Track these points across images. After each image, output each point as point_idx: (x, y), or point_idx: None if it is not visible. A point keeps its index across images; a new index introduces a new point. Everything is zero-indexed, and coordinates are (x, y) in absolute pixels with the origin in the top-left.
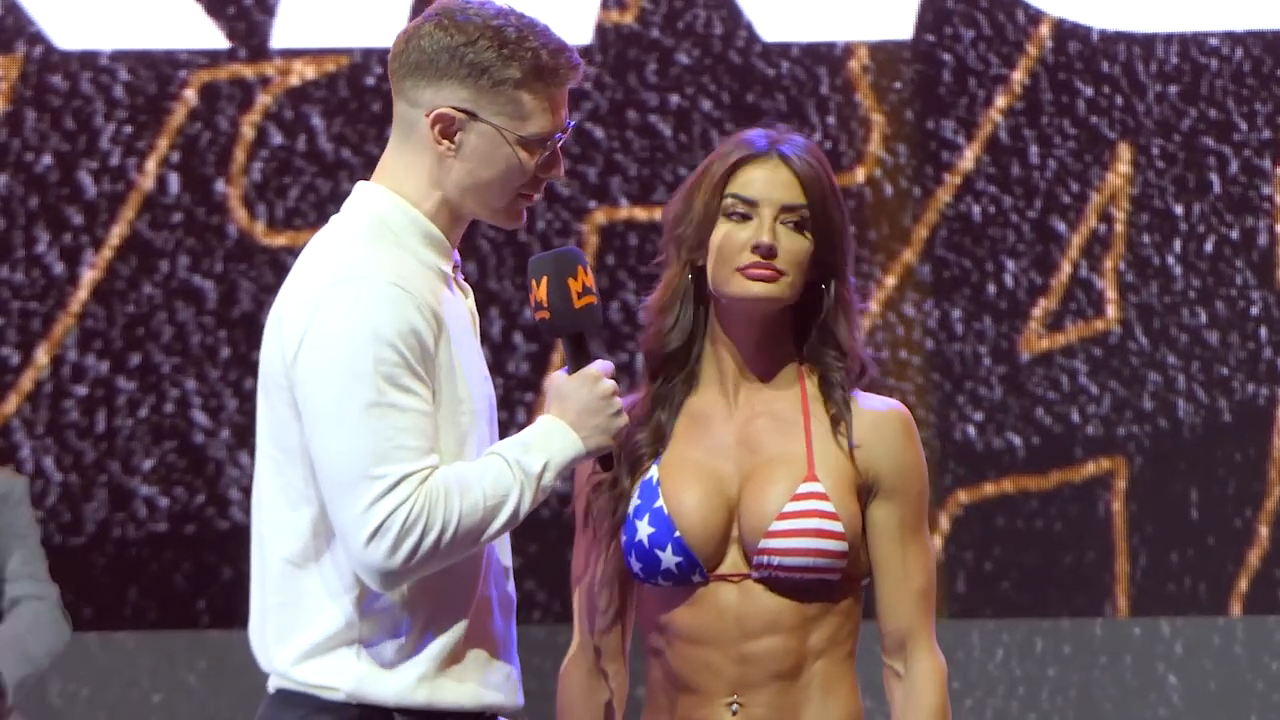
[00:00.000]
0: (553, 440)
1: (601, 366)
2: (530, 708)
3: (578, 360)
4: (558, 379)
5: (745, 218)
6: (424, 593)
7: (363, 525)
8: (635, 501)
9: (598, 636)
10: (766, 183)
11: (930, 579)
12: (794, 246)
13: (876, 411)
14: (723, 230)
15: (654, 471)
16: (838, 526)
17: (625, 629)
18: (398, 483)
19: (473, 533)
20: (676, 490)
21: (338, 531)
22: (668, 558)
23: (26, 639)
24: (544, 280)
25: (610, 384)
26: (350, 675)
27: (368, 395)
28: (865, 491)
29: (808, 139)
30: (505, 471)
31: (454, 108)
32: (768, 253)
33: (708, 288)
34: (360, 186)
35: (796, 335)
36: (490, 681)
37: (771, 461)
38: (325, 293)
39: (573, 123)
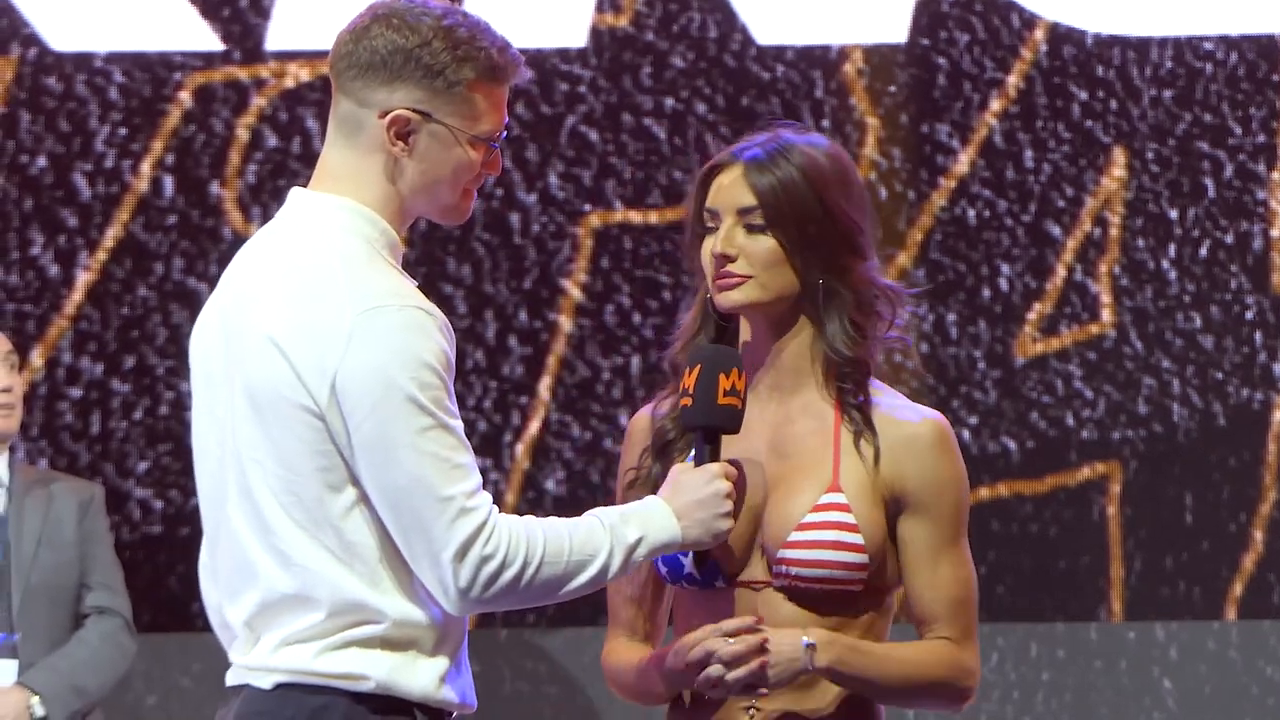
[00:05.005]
0: (652, 519)
1: (725, 469)
2: (523, 709)
3: (704, 455)
4: (678, 468)
5: (714, 230)
6: None
7: (444, 549)
8: None
9: (629, 630)
10: (725, 191)
11: (968, 590)
12: (754, 247)
13: (909, 424)
14: (704, 245)
15: None
16: (857, 539)
17: (657, 627)
18: (466, 504)
19: (554, 581)
20: None
21: (413, 555)
22: (689, 563)
23: (84, 670)
24: (697, 369)
25: (727, 486)
26: (382, 667)
27: (420, 420)
28: (893, 504)
29: (803, 136)
30: (598, 531)
31: (409, 109)
32: (722, 260)
33: None
34: (318, 197)
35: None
36: (471, 686)
37: (799, 469)
38: (356, 322)
39: (508, 119)
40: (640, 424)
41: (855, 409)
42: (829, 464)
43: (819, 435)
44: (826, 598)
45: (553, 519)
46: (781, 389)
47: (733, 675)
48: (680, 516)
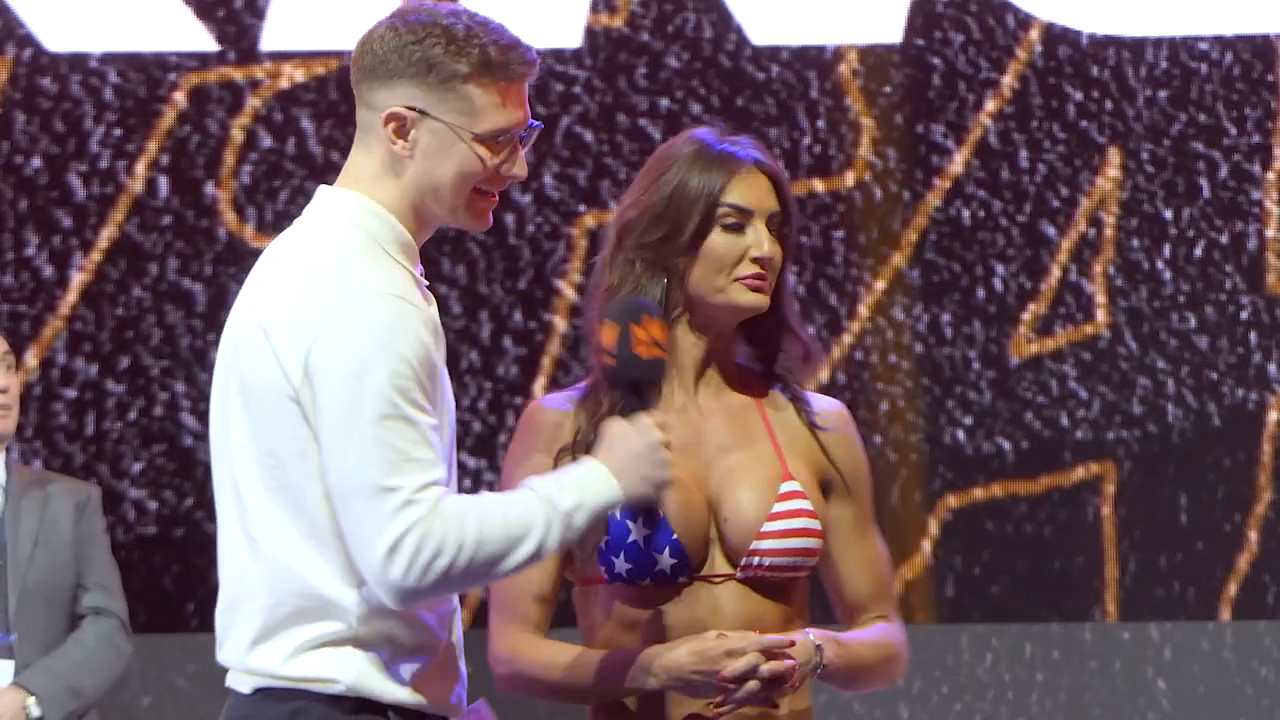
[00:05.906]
0: (589, 483)
1: (657, 418)
2: (517, 709)
3: (631, 408)
4: (610, 423)
5: (739, 227)
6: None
7: (377, 539)
8: None
9: (529, 626)
10: (756, 192)
11: (889, 566)
12: (778, 254)
13: (828, 412)
14: (719, 239)
15: None
16: (817, 525)
17: (546, 623)
18: (412, 497)
19: (492, 561)
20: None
21: (351, 543)
22: (664, 559)
23: (80, 671)
24: (615, 326)
25: (660, 434)
26: (351, 669)
27: (381, 408)
28: (826, 487)
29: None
30: (533, 504)
31: (405, 107)
32: (768, 264)
33: (677, 290)
34: (333, 192)
35: (746, 333)
36: (458, 689)
37: (744, 462)
38: (334, 305)
39: (537, 123)
40: (545, 417)
41: (779, 400)
42: (771, 453)
43: (748, 426)
44: (785, 586)
45: (489, 495)
46: (710, 383)
47: (779, 693)
48: (618, 474)
